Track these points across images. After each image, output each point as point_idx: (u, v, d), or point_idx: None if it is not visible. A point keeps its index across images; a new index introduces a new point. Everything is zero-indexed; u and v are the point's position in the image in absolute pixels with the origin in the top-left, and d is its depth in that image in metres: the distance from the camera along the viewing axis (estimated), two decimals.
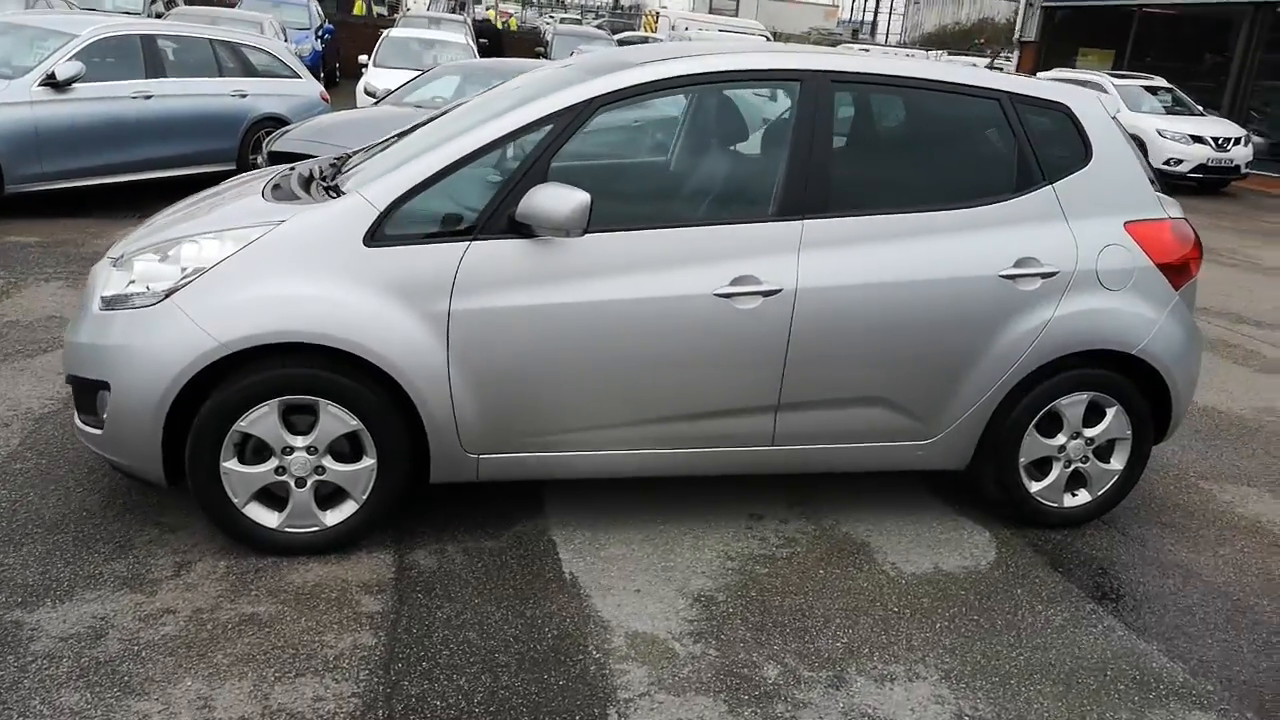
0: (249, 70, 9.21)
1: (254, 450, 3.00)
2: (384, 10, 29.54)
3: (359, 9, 26.48)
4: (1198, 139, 14.73)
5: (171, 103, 8.24)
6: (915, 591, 3.20)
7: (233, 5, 17.33)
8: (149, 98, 8.02)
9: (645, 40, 21.26)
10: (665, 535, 3.41)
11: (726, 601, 3.05)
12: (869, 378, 3.32)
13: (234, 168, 8.55)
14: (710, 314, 3.13)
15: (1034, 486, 3.60)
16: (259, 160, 7.80)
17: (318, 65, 16.49)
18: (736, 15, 41.23)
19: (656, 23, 29.96)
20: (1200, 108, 16.11)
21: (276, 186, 3.44)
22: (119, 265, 3.10)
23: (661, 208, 3.47)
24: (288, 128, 7.58)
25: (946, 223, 3.33)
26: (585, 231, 2.99)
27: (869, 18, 63.62)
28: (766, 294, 3.16)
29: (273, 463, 3.00)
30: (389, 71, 12.17)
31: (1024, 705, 2.69)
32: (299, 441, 2.99)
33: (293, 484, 3.03)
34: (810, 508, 3.71)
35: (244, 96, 8.97)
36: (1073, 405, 3.51)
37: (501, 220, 3.02)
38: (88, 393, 3.03)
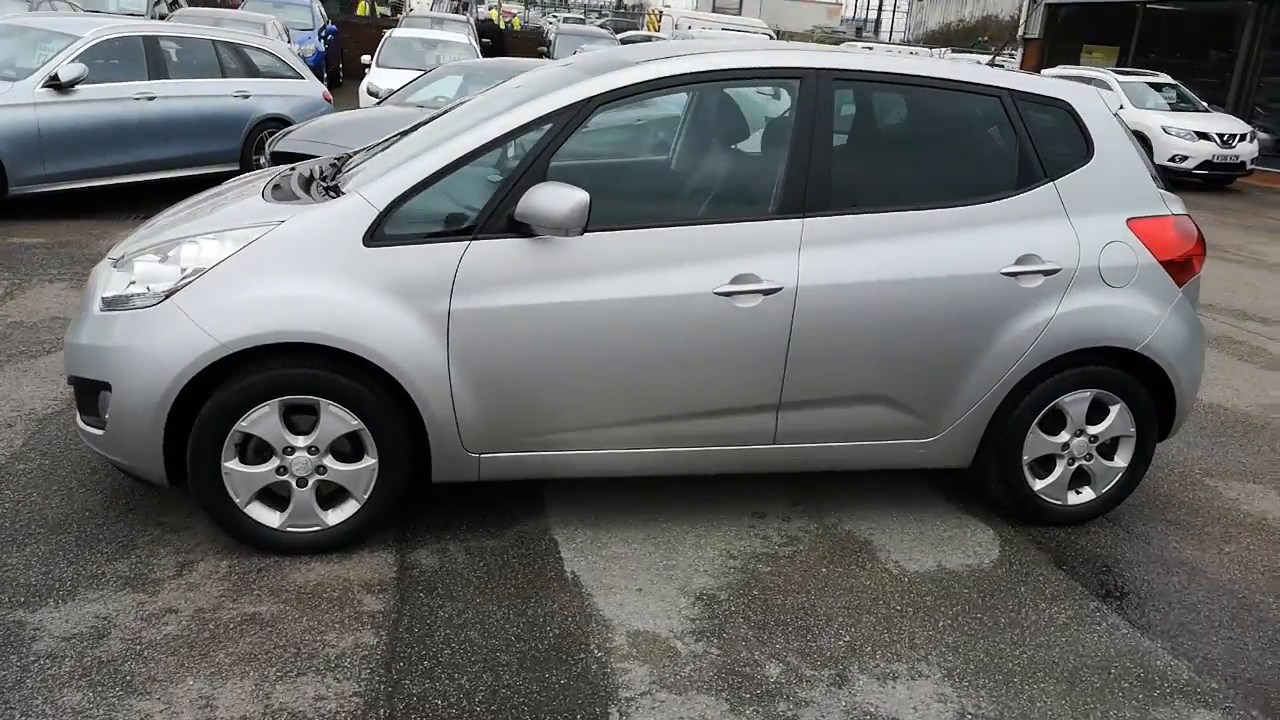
0: (252, 71, 9.22)
1: (255, 450, 3.00)
2: (387, 11, 29.58)
3: (363, 9, 26.53)
4: (1203, 135, 14.69)
5: (174, 104, 8.26)
6: (918, 590, 3.19)
7: (236, 6, 17.37)
8: (152, 99, 8.04)
9: (648, 40, 21.24)
10: (667, 534, 3.41)
11: (728, 600, 3.05)
12: (870, 376, 3.31)
13: (237, 168, 8.57)
14: (711, 313, 3.13)
15: (1037, 484, 3.59)
16: (262, 161, 7.81)
17: (321, 66, 16.52)
18: (740, 14, 41.18)
19: (660, 22, 29.95)
20: (1205, 104, 16.06)
21: (276, 187, 3.45)
22: (119, 266, 3.10)
23: (661, 206, 3.46)
24: (290, 128, 7.58)
25: (947, 220, 3.32)
26: (585, 230, 2.99)
27: (873, 15, 63.54)
28: (767, 292, 3.15)
29: (274, 463, 3.01)
30: (392, 72, 12.18)
31: (1027, 703, 2.68)
32: (300, 441, 2.99)
33: (294, 484, 3.03)
34: (813, 506, 3.70)
35: (247, 97, 8.99)
36: (1076, 403, 3.50)
37: (501, 220, 3.01)
38: (89, 393, 3.03)
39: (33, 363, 4.53)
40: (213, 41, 8.99)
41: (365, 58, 13.44)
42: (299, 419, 2.99)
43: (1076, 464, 3.59)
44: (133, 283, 3.01)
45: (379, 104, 9.45)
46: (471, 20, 23.23)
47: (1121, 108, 14.39)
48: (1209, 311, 7.30)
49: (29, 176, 7.20)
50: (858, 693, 2.67)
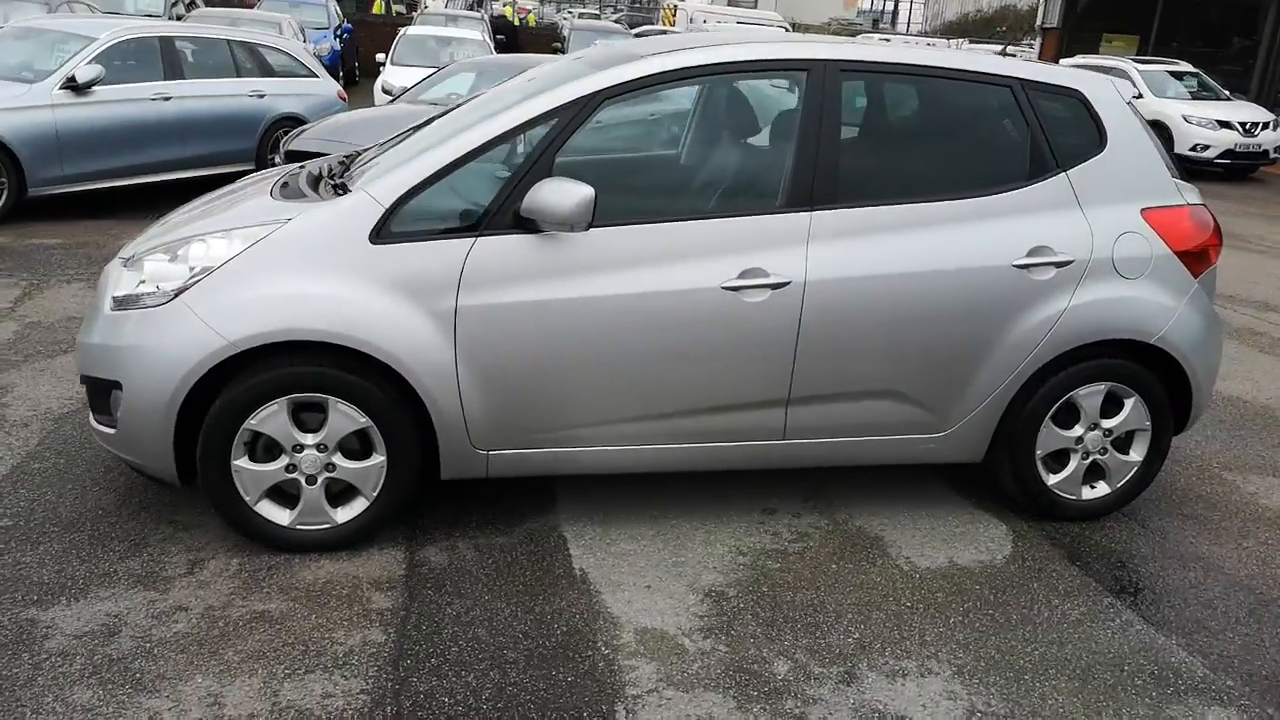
0: (267, 70, 9.27)
1: (265, 448, 3.01)
2: (402, 8, 29.66)
3: (378, 8, 26.60)
4: (1225, 124, 14.49)
5: (190, 104, 8.31)
6: (929, 586, 3.17)
7: (252, 6, 17.46)
8: (168, 99, 8.10)
9: (663, 34, 21.17)
10: (676, 530, 3.40)
11: (737, 597, 3.04)
12: (880, 370, 3.29)
13: (253, 168, 8.61)
14: (718, 307, 3.11)
15: (1051, 479, 3.55)
16: (277, 160, 7.85)
17: (337, 64, 16.59)
18: (755, 7, 41.02)
19: (674, 16, 29.84)
20: (1227, 92, 15.85)
21: (285, 185, 3.46)
22: (129, 265, 3.12)
23: (668, 201, 3.45)
24: (304, 127, 7.62)
25: (957, 212, 3.28)
26: (590, 226, 2.98)
27: (889, 6, 63.08)
28: (775, 286, 3.13)
29: (283, 460, 3.02)
30: (406, 69, 12.22)
31: (1038, 701, 2.65)
32: (309, 439, 3.00)
33: (303, 481, 3.04)
34: (823, 502, 3.68)
35: (262, 97, 9.04)
36: (1090, 396, 3.46)
37: (507, 216, 3.01)
38: (101, 392, 3.06)
39: (49, 362, 4.57)
40: (228, 41, 9.04)
41: (380, 56, 13.49)
42: (308, 417, 3.00)
43: (1091, 458, 3.55)
44: (143, 282, 3.02)
45: (392, 102, 9.48)
46: (486, 17, 23.24)
47: (1139, 96, 14.26)
48: (1230, 303, 7.21)
49: (47, 177, 7.27)
50: (866, 690, 2.65)
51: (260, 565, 3.03)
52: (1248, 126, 14.55)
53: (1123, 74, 14.68)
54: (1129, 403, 3.51)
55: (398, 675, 2.58)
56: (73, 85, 7.33)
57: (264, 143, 9.02)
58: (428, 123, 3.83)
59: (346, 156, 3.89)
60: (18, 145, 7.02)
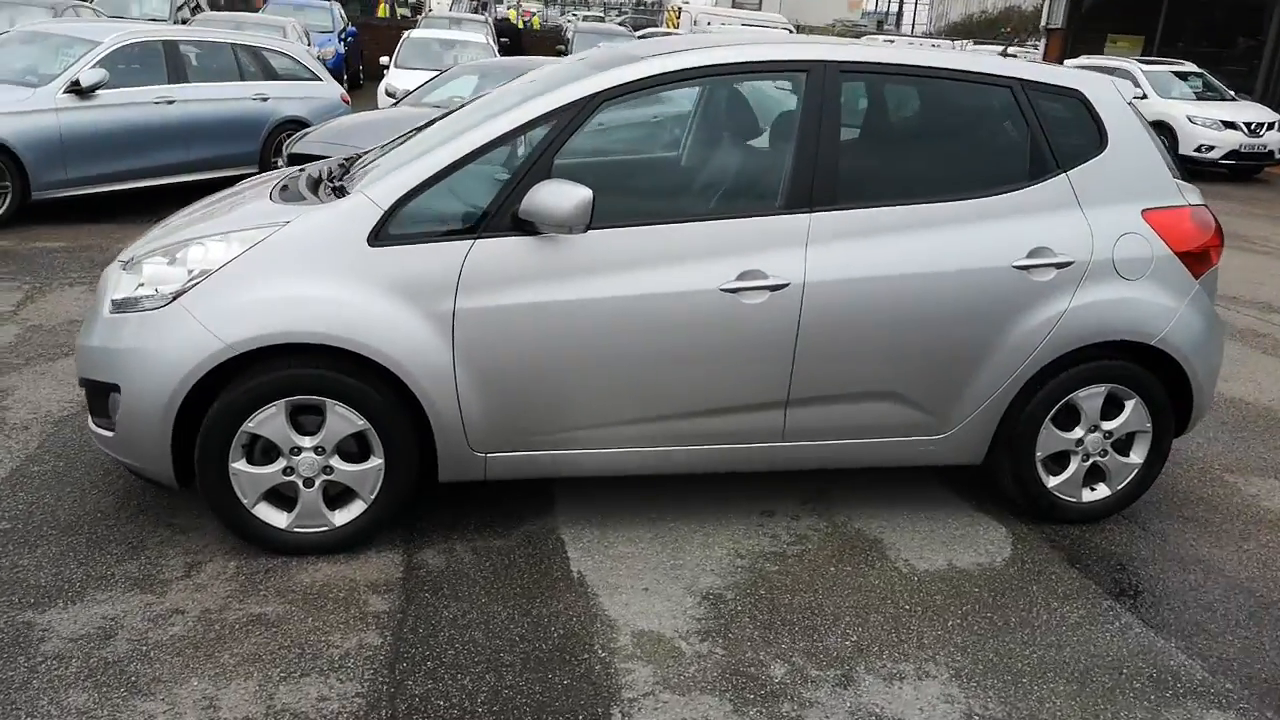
0: (270, 74, 9.30)
1: (262, 451, 3.01)
2: (407, 12, 29.73)
3: (383, 11, 26.68)
4: (1229, 125, 14.44)
5: (194, 108, 8.34)
6: (928, 589, 3.15)
7: (258, 10, 17.51)
8: (172, 103, 8.12)
9: (666, 36, 21.16)
10: (675, 533, 3.39)
11: (735, 600, 3.03)
12: (879, 372, 3.28)
13: (256, 171, 8.63)
14: (717, 309, 3.10)
15: (1051, 481, 3.53)
16: (280, 163, 7.87)
17: (341, 68, 16.64)
18: (759, 9, 41.00)
19: (679, 18, 29.84)
20: (1232, 93, 15.79)
21: (284, 188, 3.46)
22: (128, 268, 3.13)
23: (667, 202, 3.44)
24: (307, 130, 7.63)
25: (957, 213, 3.27)
26: (589, 228, 2.98)
27: (894, 8, 63.02)
28: (774, 288, 3.12)
29: (281, 463, 3.02)
30: (410, 72, 12.24)
31: (1036, 704, 2.64)
32: (307, 442, 3.00)
33: (301, 484, 3.04)
34: (822, 504, 3.67)
35: (265, 100, 9.06)
36: (1090, 398, 3.45)
37: (505, 218, 3.01)
38: (100, 395, 3.06)
39: (50, 365, 4.58)
40: (232, 45, 9.07)
41: (385, 59, 13.51)
42: (306, 419, 3.00)
43: (1091, 460, 3.54)
44: (141, 285, 3.03)
45: (395, 105, 9.50)
46: (490, 20, 23.29)
47: (1144, 96, 14.22)
48: (1234, 304, 7.18)
49: (51, 181, 7.29)
50: (863, 693, 2.64)
51: (257, 568, 3.03)
52: (1253, 127, 14.50)
53: (1127, 74, 14.64)
54: (1129, 404, 3.49)
55: (393, 678, 2.58)
56: (77, 89, 7.36)
57: (267, 146, 9.04)
58: (428, 125, 3.83)
59: (346, 159, 3.89)
60: (22, 149, 7.05)
